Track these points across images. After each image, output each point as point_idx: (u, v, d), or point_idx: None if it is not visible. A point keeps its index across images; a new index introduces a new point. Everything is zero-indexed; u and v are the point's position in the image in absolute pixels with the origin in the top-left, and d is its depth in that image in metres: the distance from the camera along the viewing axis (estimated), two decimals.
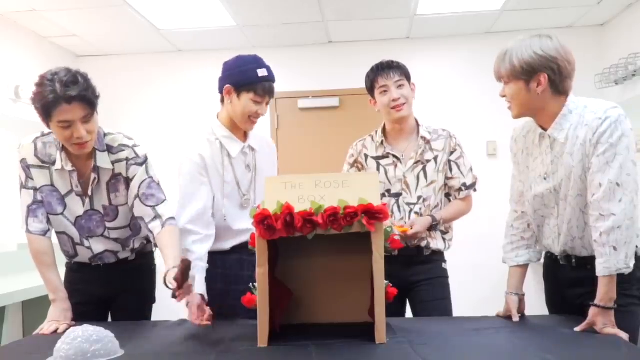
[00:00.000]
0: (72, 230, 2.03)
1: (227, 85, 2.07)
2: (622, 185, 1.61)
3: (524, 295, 1.99)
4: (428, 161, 2.30)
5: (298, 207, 1.54)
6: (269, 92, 2.07)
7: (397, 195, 2.29)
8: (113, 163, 1.98)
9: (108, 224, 2.03)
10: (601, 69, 4.31)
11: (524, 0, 4.03)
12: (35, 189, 1.98)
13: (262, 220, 1.53)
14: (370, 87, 2.34)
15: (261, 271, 1.56)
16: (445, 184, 2.34)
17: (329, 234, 1.55)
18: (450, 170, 2.33)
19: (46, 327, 1.91)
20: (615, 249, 1.61)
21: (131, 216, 2.04)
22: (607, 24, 4.53)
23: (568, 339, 1.61)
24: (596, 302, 1.65)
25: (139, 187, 1.98)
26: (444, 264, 2.34)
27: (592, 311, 1.66)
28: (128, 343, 1.67)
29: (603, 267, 1.63)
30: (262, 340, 1.59)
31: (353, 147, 2.44)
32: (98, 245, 2.06)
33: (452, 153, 2.33)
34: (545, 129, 1.79)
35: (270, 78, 2.06)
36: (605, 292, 1.63)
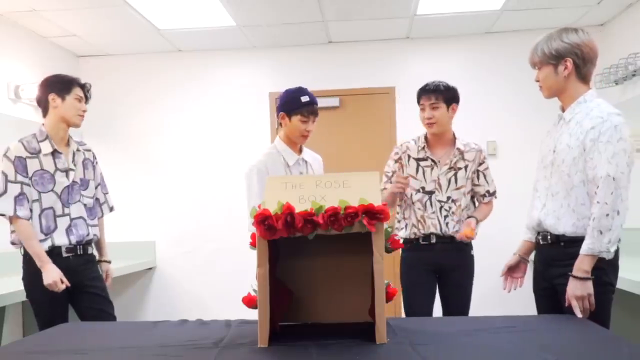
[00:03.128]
0: (57, 203, 2.61)
1: (281, 112, 2.62)
2: (616, 180, 1.86)
3: (527, 261, 2.30)
4: (459, 169, 2.74)
5: (299, 207, 1.54)
6: (313, 113, 2.59)
7: (431, 193, 2.73)
8: (84, 151, 2.78)
9: (82, 192, 2.72)
10: (601, 69, 4.31)
11: (524, 0, 4.03)
12: (22, 183, 2.53)
13: (263, 220, 1.53)
14: (418, 101, 2.81)
15: (261, 271, 1.56)
16: (472, 189, 2.78)
17: (329, 234, 1.55)
18: (478, 178, 2.78)
19: (60, 286, 2.49)
20: (601, 232, 1.87)
21: (94, 193, 2.81)
22: (607, 24, 4.53)
23: (568, 339, 1.61)
24: (573, 273, 1.91)
25: (101, 177, 2.88)
26: (471, 251, 2.78)
27: (569, 282, 1.92)
28: (128, 342, 1.67)
29: (588, 247, 1.89)
30: (262, 340, 1.59)
31: (398, 147, 2.88)
32: (75, 211, 2.67)
33: (480, 164, 2.79)
34: (564, 111, 2.08)
35: (312, 102, 2.59)
36: (580, 266, 1.90)
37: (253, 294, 1.76)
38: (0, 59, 3.98)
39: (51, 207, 2.60)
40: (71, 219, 2.65)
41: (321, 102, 4.84)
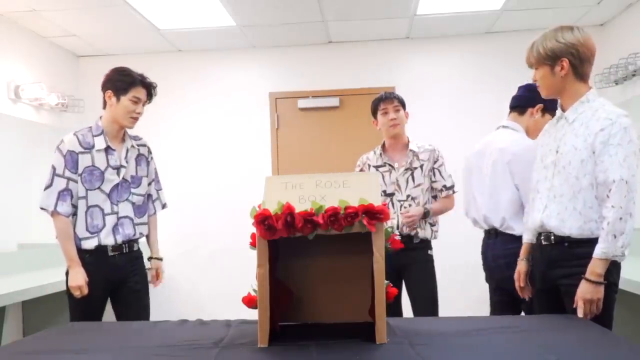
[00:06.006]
0: (105, 201, 2.56)
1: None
2: (629, 184, 1.85)
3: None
4: (415, 168, 2.96)
5: (299, 207, 1.54)
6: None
7: (391, 195, 2.96)
8: (138, 147, 2.71)
9: (133, 190, 2.65)
10: (601, 69, 4.31)
11: (524, 0, 4.03)
12: (69, 179, 2.50)
13: (263, 220, 1.53)
14: (374, 110, 3.02)
15: (261, 271, 1.56)
16: (431, 186, 2.99)
17: (329, 234, 1.55)
18: (434, 175, 2.99)
19: (83, 291, 2.47)
20: (615, 236, 1.84)
21: (146, 190, 2.75)
22: (607, 24, 4.53)
23: (568, 339, 1.61)
24: (586, 276, 1.88)
25: (155, 173, 2.82)
26: (429, 251, 2.98)
27: (581, 284, 1.89)
28: (128, 342, 1.67)
29: (602, 251, 1.86)
30: (262, 340, 1.59)
31: (360, 159, 3.13)
32: (123, 209, 2.61)
33: (435, 162, 2.99)
34: (565, 111, 2.05)
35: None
36: (593, 270, 1.87)
37: (253, 294, 1.76)
38: (0, 59, 3.98)
39: (97, 205, 2.55)
40: (118, 218, 2.59)
41: (321, 102, 4.91)
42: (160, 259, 2.83)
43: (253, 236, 1.65)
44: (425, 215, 2.90)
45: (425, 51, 4.82)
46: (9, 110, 4.00)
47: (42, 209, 2.53)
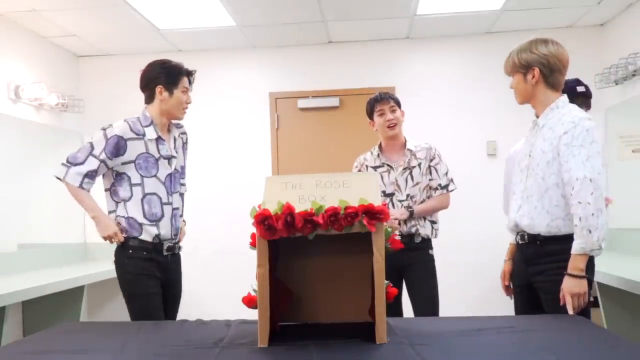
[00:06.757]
0: (161, 190, 2.51)
1: None
2: (594, 181, 1.96)
3: None
4: (413, 167, 2.95)
5: (299, 207, 1.54)
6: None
7: (391, 195, 2.94)
8: (181, 135, 2.67)
9: (181, 181, 2.62)
10: (601, 69, 4.31)
11: (524, 0, 4.03)
12: (103, 162, 2.43)
13: (263, 220, 1.53)
14: (370, 111, 2.99)
15: (261, 271, 1.56)
16: (428, 185, 2.96)
17: (329, 234, 1.55)
18: (430, 173, 2.97)
19: (119, 237, 2.44)
20: (590, 231, 1.95)
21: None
22: (607, 24, 4.53)
23: (568, 339, 1.61)
24: (568, 271, 1.99)
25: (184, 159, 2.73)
26: (430, 251, 2.96)
27: (565, 280, 2.01)
28: (128, 342, 1.67)
29: (580, 247, 1.97)
30: (262, 340, 1.59)
31: (357, 161, 3.11)
32: (175, 201, 2.57)
33: (432, 160, 2.97)
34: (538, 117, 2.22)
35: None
36: (575, 265, 1.98)
37: (253, 294, 1.76)
38: (0, 59, 3.98)
39: (155, 193, 2.49)
40: (173, 209, 2.55)
41: (321, 102, 4.91)
42: (184, 220, 2.76)
43: (253, 236, 1.65)
44: (410, 216, 2.88)
45: (425, 51, 4.82)
46: (9, 110, 4.00)
47: (58, 178, 2.46)
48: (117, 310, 4.27)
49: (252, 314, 1.69)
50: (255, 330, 1.60)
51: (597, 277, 2.99)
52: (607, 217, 2.03)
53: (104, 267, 3.86)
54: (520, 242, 2.22)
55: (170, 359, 1.53)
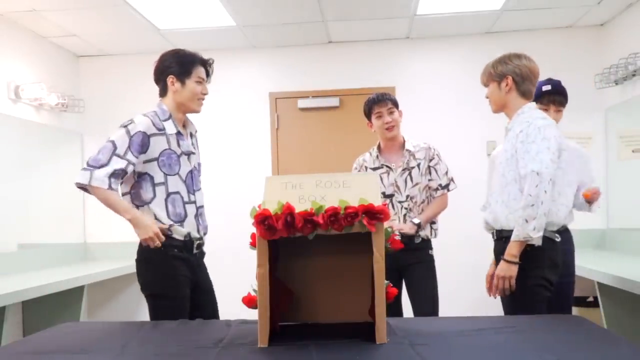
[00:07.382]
0: (182, 188, 2.38)
1: None
2: (540, 175, 2.11)
3: None
4: (412, 168, 2.95)
5: (299, 207, 1.54)
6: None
7: (391, 196, 2.95)
8: (195, 131, 2.58)
9: (199, 178, 2.53)
10: (601, 69, 4.31)
11: (524, 0, 4.03)
12: (129, 162, 2.25)
13: (263, 220, 1.53)
14: (368, 113, 3.00)
15: (261, 271, 1.56)
16: (428, 185, 2.98)
17: (329, 234, 1.55)
18: (430, 174, 2.98)
19: (160, 237, 2.26)
20: (526, 221, 2.12)
21: None
22: (607, 24, 4.53)
23: (567, 339, 1.61)
24: (503, 257, 2.18)
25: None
26: (430, 251, 2.98)
27: (500, 263, 2.22)
28: (128, 343, 1.67)
29: (515, 234, 2.15)
30: (262, 340, 1.59)
31: (356, 162, 3.11)
32: (199, 199, 2.48)
33: (431, 160, 2.98)
34: None
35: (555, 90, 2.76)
36: (509, 251, 2.17)
37: (253, 294, 1.76)
38: (0, 59, 3.98)
39: (178, 192, 2.35)
40: (197, 207, 2.45)
41: (321, 102, 4.91)
42: None
43: (253, 236, 1.65)
44: (417, 229, 2.88)
45: (425, 51, 4.82)
46: (9, 110, 4.00)
47: (82, 186, 2.26)
48: (117, 310, 4.26)
49: (252, 314, 1.69)
50: (255, 330, 1.60)
51: (597, 277, 3.00)
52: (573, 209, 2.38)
53: (104, 267, 3.85)
54: (494, 239, 2.37)
55: (170, 358, 1.53)
